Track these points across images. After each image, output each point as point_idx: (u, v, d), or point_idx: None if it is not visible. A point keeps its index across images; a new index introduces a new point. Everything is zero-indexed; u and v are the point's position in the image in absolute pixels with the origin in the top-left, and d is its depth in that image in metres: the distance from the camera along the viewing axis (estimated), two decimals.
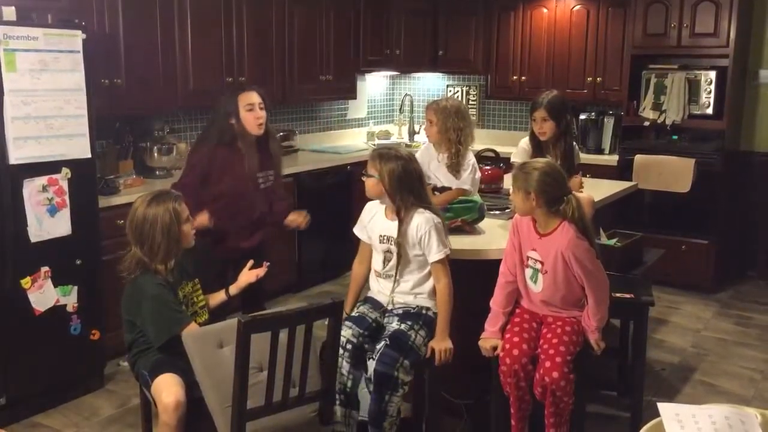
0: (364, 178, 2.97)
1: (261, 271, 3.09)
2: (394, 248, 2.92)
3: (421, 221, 2.88)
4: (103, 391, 3.72)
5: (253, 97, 3.43)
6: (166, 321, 2.71)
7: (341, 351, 2.81)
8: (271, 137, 3.59)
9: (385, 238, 2.96)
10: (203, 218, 3.33)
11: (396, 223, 2.92)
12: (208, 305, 3.03)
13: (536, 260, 2.91)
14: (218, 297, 3.10)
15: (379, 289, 3.05)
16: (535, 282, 2.93)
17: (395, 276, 2.96)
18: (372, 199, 3.00)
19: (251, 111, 3.40)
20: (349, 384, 2.86)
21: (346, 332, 2.85)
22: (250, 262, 3.10)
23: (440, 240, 2.87)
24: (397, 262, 2.93)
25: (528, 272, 2.95)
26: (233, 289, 3.09)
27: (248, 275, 3.07)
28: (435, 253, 2.87)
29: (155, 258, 2.74)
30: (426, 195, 2.99)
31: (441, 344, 2.89)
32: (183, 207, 2.80)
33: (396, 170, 2.86)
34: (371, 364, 2.78)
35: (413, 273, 2.96)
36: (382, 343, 2.82)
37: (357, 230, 3.12)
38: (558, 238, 2.85)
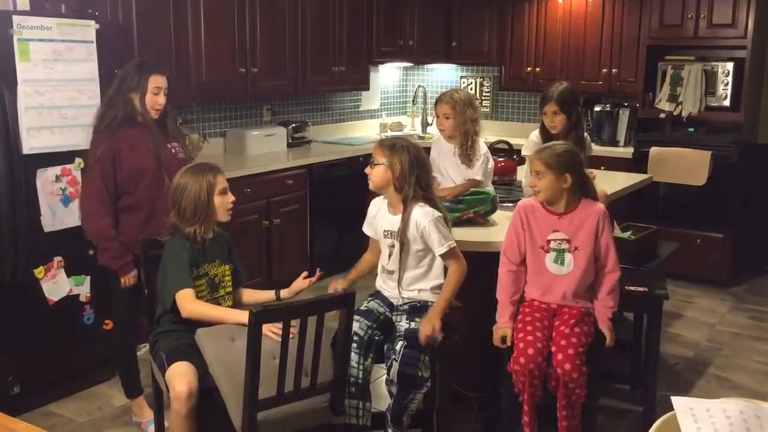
0: (369, 168, 2.93)
1: (315, 278, 3.07)
2: (397, 243, 2.91)
3: (420, 216, 2.84)
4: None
5: (163, 82, 3.25)
6: (171, 281, 2.76)
7: None
8: (169, 117, 3.39)
9: (389, 233, 2.94)
10: (131, 276, 3.27)
11: (398, 217, 2.89)
12: (239, 298, 3.04)
13: (561, 240, 2.89)
14: (266, 295, 3.09)
15: (385, 285, 3.04)
16: (563, 263, 2.90)
17: (399, 270, 2.94)
18: (375, 190, 2.97)
19: (156, 95, 3.23)
20: (360, 376, 2.85)
21: (354, 325, 2.84)
22: (305, 272, 3.08)
23: (441, 234, 2.83)
24: (399, 256, 2.91)
25: (551, 256, 2.92)
26: (285, 292, 3.06)
27: (302, 282, 3.06)
28: (438, 247, 2.83)
29: (183, 220, 2.83)
30: (431, 186, 2.97)
31: (426, 325, 2.76)
32: (219, 179, 2.87)
33: (408, 159, 2.85)
34: (395, 366, 2.75)
35: (414, 268, 2.93)
36: (401, 343, 2.78)
37: (365, 227, 3.11)
38: (587, 210, 2.90)
